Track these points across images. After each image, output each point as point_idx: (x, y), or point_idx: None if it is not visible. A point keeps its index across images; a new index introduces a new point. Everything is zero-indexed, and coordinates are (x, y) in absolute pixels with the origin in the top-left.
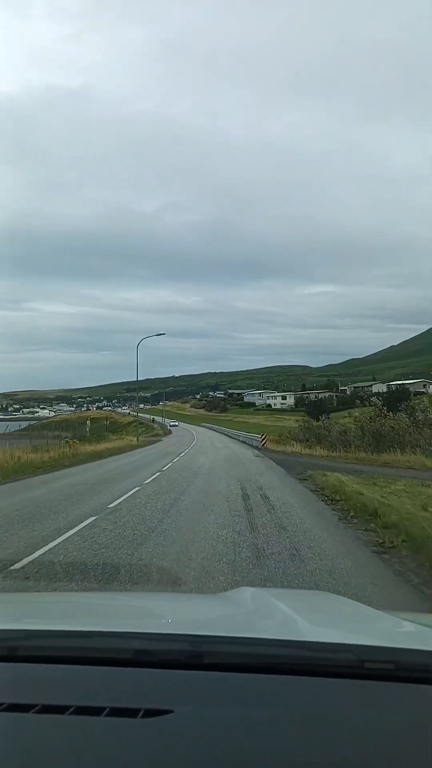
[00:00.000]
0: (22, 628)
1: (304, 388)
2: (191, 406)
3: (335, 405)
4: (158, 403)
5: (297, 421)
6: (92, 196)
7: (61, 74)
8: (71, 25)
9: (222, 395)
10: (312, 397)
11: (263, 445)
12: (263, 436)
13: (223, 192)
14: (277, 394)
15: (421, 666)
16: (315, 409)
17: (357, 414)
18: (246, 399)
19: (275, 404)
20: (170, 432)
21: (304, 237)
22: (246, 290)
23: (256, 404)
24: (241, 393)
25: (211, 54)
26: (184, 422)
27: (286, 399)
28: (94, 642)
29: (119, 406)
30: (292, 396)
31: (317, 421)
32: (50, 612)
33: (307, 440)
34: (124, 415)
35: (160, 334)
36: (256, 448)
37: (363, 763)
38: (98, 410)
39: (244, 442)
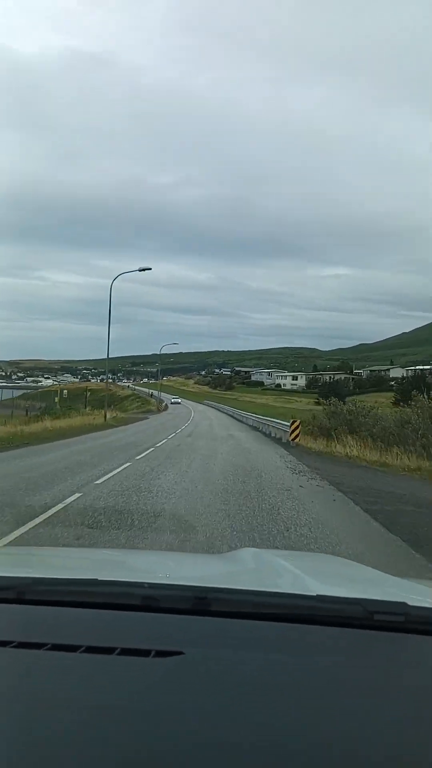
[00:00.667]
0: (29, 575)
1: (315, 369)
2: (195, 383)
3: (351, 388)
4: (162, 378)
5: (308, 403)
6: (108, 166)
7: (82, 39)
8: None
9: (228, 372)
10: (326, 378)
11: (294, 439)
12: (295, 426)
13: (240, 168)
14: (287, 373)
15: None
16: (330, 391)
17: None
18: (254, 378)
19: (285, 384)
20: (166, 409)
21: (319, 218)
22: (258, 269)
23: (265, 384)
24: (249, 371)
25: (235, 26)
26: (186, 399)
27: (297, 380)
28: (101, 589)
29: (122, 380)
30: (304, 377)
31: (331, 404)
32: (57, 563)
33: (335, 430)
34: (123, 388)
35: (145, 269)
36: (279, 441)
37: (371, 708)
38: (101, 382)
39: (256, 429)
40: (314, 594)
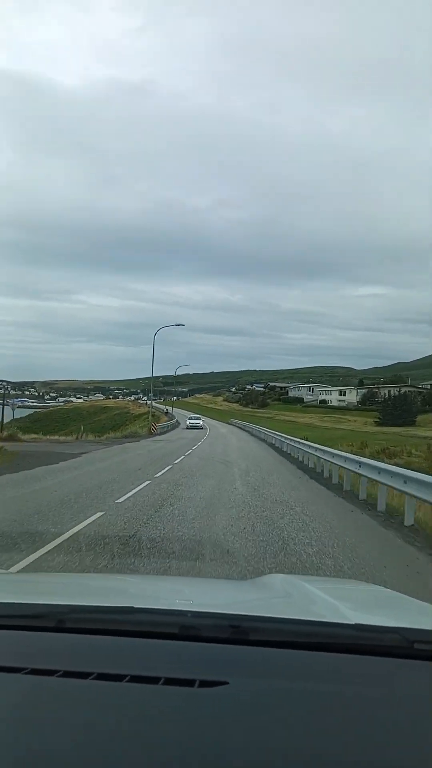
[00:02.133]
0: (67, 603)
1: (361, 383)
2: (224, 399)
3: (419, 404)
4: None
5: (366, 423)
6: (145, 190)
7: (123, 68)
8: (136, 19)
9: (261, 388)
10: (384, 393)
11: None
12: None
13: (276, 189)
14: (332, 388)
15: None
16: (395, 409)
17: None
18: (291, 393)
19: (330, 400)
20: (167, 430)
21: (356, 237)
22: (292, 290)
23: (305, 400)
24: (285, 387)
25: (272, 49)
26: (209, 418)
27: (344, 395)
28: (138, 617)
29: (147, 399)
30: (355, 391)
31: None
32: (93, 590)
33: None
34: (140, 406)
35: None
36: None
37: (415, 737)
38: (121, 400)
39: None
40: (352, 623)
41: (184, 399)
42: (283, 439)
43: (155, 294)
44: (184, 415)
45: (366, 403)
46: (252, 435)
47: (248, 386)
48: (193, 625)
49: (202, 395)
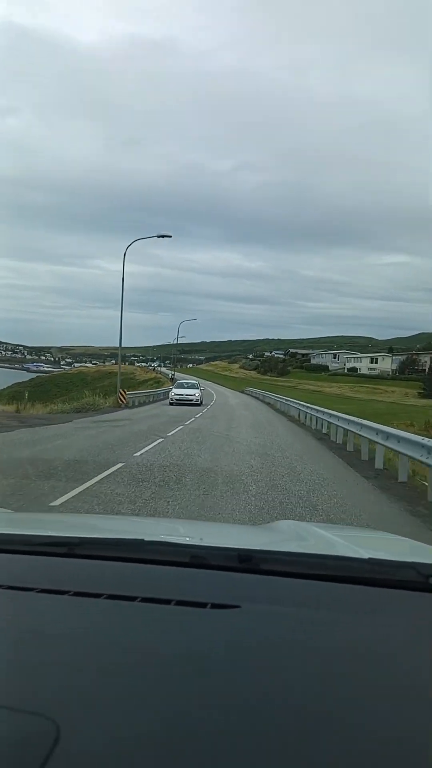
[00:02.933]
0: (78, 535)
1: (392, 352)
2: (240, 367)
3: None
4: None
5: (407, 394)
6: (167, 152)
7: (144, 24)
8: None
9: (281, 355)
10: (424, 360)
11: None
12: None
13: (301, 153)
14: (362, 355)
15: None
16: None
17: None
18: (314, 361)
19: (360, 368)
20: (155, 400)
21: (381, 204)
22: (315, 257)
23: (330, 368)
24: (308, 353)
25: (298, 5)
26: (221, 386)
27: (376, 362)
28: (149, 548)
29: (161, 365)
30: (390, 358)
31: None
32: (104, 526)
33: None
34: (147, 371)
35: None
36: None
37: (424, 667)
38: (129, 366)
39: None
40: (365, 557)
41: (199, 366)
42: (327, 415)
43: (175, 260)
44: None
45: (405, 372)
46: (273, 409)
47: (266, 353)
48: (204, 555)
49: (216, 362)
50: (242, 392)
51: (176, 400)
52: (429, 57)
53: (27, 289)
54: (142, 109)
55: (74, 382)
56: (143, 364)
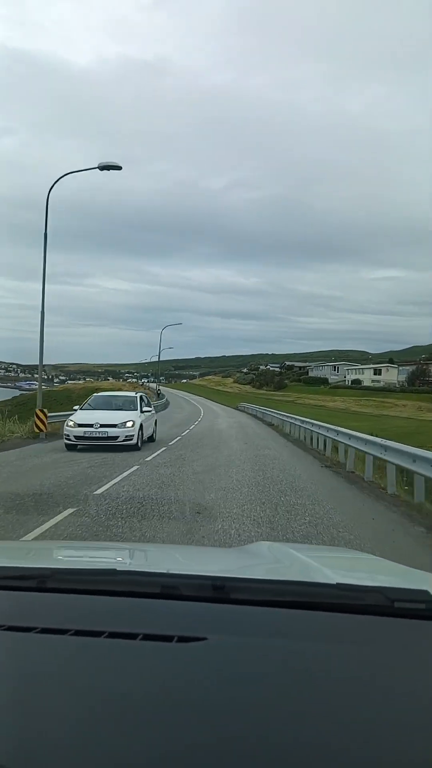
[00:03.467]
0: (49, 566)
1: (391, 362)
2: (234, 381)
3: None
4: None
5: (421, 409)
6: (159, 171)
7: (136, 46)
8: None
9: (278, 368)
10: None
11: None
12: None
13: (293, 170)
14: (364, 366)
15: None
16: None
17: None
18: (312, 373)
19: (363, 380)
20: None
21: (374, 219)
22: (308, 272)
23: (329, 381)
24: (305, 366)
25: (290, 25)
26: (213, 401)
27: (380, 374)
28: (120, 578)
29: (153, 381)
30: (395, 369)
31: None
32: (76, 555)
33: None
34: (135, 386)
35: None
36: None
37: (393, 692)
38: (117, 381)
39: None
40: (333, 582)
41: (192, 381)
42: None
43: (169, 277)
44: (180, 397)
45: (415, 383)
46: (280, 434)
47: (261, 367)
48: (176, 585)
49: (209, 377)
50: (236, 409)
51: (77, 438)
52: (421, 73)
53: (23, 308)
54: (135, 128)
55: (59, 399)
56: (134, 380)
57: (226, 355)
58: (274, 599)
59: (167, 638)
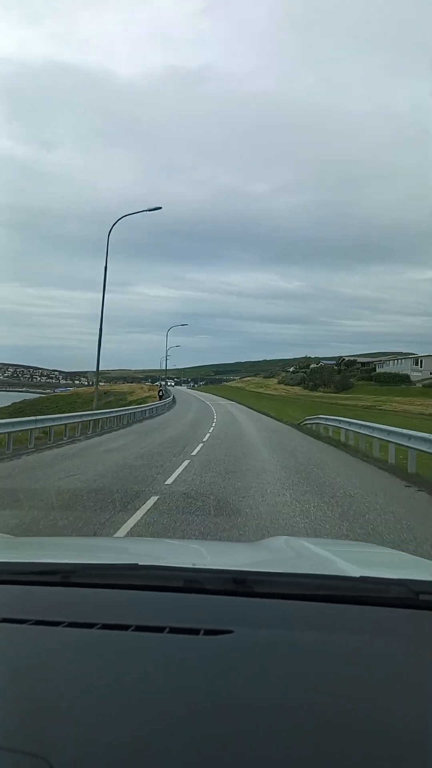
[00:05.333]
0: (73, 561)
1: None
2: (279, 382)
3: None
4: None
5: None
6: (204, 178)
7: (181, 54)
8: (196, 3)
9: (334, 365)
10: None
11: None
12: None
13: (338, 171)
14: None
15: None
16: None
17: None
18: (380, 369)
19: None
20: None
21: (419, 219)
22: (353, 275)
23: (411, 377)
24: (373, 362)
25: (334, 25)
26: (248, 413)
27: None
28: (143, 573)
29: (192, 385)
30: None
31: None
32: (99, 551)
33: None
34: (152, 388)
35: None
36: None
37: (418, 684)
38: (135, 384)
39: None
40: (357, 576)
41: (227, 383)
42: None
43: (211, 283)
44: (207, 401)
45: None
46: None
47: (313, 365)
48: (198, 579)
49: (248, 379)
50: (314, 437)
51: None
52: None
53: (68, 317)
54: (178, 136)
55: (60, 405)
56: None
57: (267, 359)
58: (298, 593)
59: (194, 631)
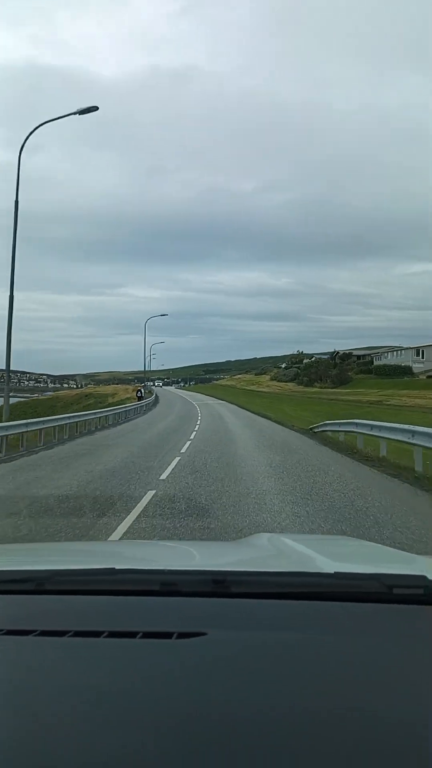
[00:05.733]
0: (47, 568)
1: None
2: (272, 379)
3: None
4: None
5: None
6: (190, 178)
7: (164, 54)
8: (177, 2)
9: (329, 358)
10: None
11: None
12: None
13: (324, 169)
14: None
15: None
16: None
17: None
18: (378, 362)
19: None
20: None
21: (409, 213)
22: (342, 271)
23: (413, 369)
24: (370, 354)
25: (319, 21)
26: (234, 412)
27: None
28: (119, 577)
29: (173, 384)
30: None
31: None
32: (74, 556)
33: None
34: (136, 388)
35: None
36: None
37: (393, 678)
38: (120, 386)
39: None
40: (332, 572)
41: (216, 382)
42: None
43: (200, 283)
44: (194, 400)
45: None
46: None
47: (305, 360)
48: (174, 581)
49: (239, 376)
50: (361, 458)
51: None
52: None
53: (56, 320)
54: (163, 137)
55: (38, 410)
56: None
57: (258, 357)
58: (274, 591)
59: (167, 635)
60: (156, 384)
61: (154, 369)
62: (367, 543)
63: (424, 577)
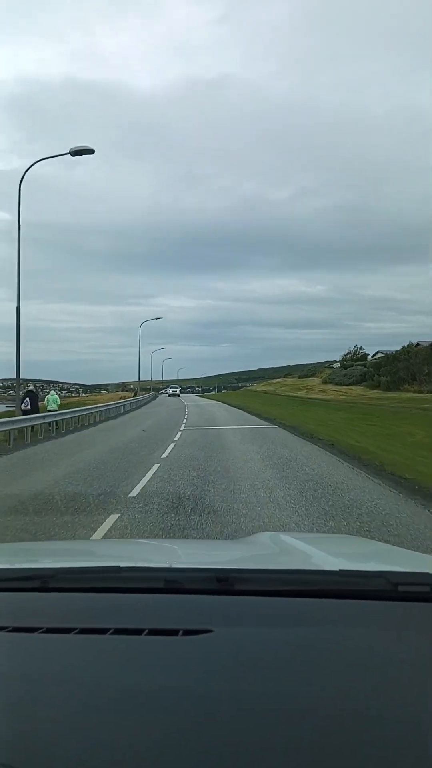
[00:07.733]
0: (52, 566)
1: None
2: (324, 381)
3: None
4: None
5: None
6: (225, 186)
7: (198, 63)
8: (215, 10)
9: (396, 353)
10: None
11: None
12: None
13: (360, 173)
14: None
15: None
16: None
17: None
18: None
19: None
20: None
21: None
22: (377, 276)
23: None
24: None
25: (353, 21)
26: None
27: None
28: (124, 575)
29: (200, 392)
30: None
31: None
32: (79, 555)
33: None
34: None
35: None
36: None
37: (398, 675)
38: (154, 392)
39: None
40: (336, 569)
41: (247, 387)
42: None
43: (233, 292)
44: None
45: None
46: None
47: (368, 354)
48: (178, 579)
49: (279, 380)
50: None
51: None
52: None
53: (91, 331)
54: (199, 145)
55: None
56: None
57: (291, 364)
58: (279, 589)
59: (172, 632)
60: (165, 392)
61: (188, 378)
62: (370, 541)
63: (429, 575)
